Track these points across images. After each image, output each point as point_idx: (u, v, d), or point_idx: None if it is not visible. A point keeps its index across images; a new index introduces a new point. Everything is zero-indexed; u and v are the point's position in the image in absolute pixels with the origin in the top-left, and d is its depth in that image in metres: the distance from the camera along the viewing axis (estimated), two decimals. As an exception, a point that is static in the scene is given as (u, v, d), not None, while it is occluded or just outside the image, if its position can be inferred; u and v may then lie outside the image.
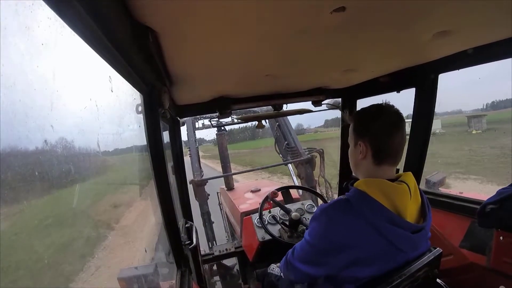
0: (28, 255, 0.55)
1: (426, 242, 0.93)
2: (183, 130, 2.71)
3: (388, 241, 0.81)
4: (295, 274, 0.97)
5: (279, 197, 2.15)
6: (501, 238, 1.19)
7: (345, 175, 2.16)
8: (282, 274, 1.14)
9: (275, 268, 1.32)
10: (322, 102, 1.92)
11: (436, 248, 0.92)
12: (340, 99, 2.03)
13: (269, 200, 1.99)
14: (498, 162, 10.02)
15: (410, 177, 0.92)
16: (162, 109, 1.01)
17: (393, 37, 0.94)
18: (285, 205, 2.02)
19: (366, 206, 0.83)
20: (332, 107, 2.05)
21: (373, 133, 0.92)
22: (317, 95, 1.83)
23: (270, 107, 1.90)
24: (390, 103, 0.97)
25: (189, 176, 3.07)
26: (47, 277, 0.59)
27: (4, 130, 0.39)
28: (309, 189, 2.38)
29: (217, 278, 2.99)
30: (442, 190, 1.75)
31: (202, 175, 3.52)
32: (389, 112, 0.92)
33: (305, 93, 1.81)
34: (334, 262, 0.84)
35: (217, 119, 3.39)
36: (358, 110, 1.02)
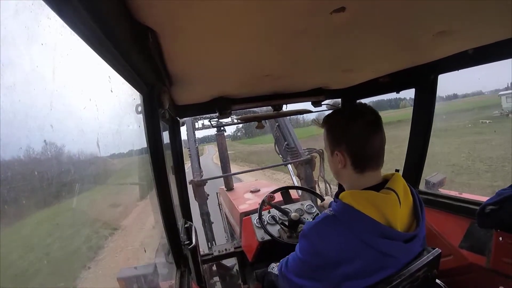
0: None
1: (422, 245, 0.89)
2: (183, 130, 2.72)
3: (381, 252, 0.78)
4: (291, 286, 0.93)
5: (279, 197, 2.15)
6: (500, 238, 1.19)
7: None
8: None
9: (275, 268, 1.31)
10: (322, 103, 1.92)
11: (435, 249, 0.92)
12: (340, 100, 2.03)
13: (266, 204, 1.97)
14: None
15: (398, 180, 0.87)
16: (162, 109, 1.00)
17: (393, 37, 0.94)
18: (285, 206, 2.02)
19: (354, 221, 0.79)
20: (332, 107, 2.05)
21: (349, 139, 0.85)
22: (317, 95, 1.83)
23: (270, 107, 1.90)
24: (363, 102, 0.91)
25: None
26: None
27: (4, 130, 0.39)
28: (306, 188, 2.38)
29: (216, 278, 2.99)
30: (442, 191, 1.75)
31: (202, 175, 3.52)
32: (364, 113, 0.85)
33: (305, 94, 1.81)
34: (329, 277, 0.80)
35: (217, 119, 3.39)
36: (329, 115, 0.94)
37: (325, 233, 0.82)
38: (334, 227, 0.82)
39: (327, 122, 0.93)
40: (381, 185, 0.87)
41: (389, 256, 0.79)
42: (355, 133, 0.84)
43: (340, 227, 0.81)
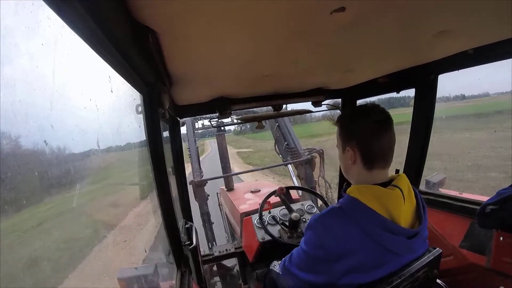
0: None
1: (424, 244, 0.91)
2: (183, 130, 2.72)
3: (384, 247, 0.80)
4: (293, 280, 0.95)
5: (278, 198, 2.15)
6: (501, 238, 1.19)
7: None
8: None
9: (276, 265, 1.32)
10: (322, 103, 1.92)
11: (436, 249, 0.92)
12: (340, 100, 2.03)
13: (276, 195, 1.98)
14: None
15: (403, 179, 0.90)
16: (162, 109, 1.00)
17: (393, 37, 0.94)
18: (284, 206, 2.03)
19: (359, 214, 0.81)
20: (332, 107, 2.05)
21: (360, 136, 0.89)
22: (317, 95, 1.83)
23: (270, 107, 1.90)
24: (376, 102, 0.94)
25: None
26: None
27: (4, 130, 0.39)
28: (317, 193, 2.36)
29: (217, 278, 2.99)
30: (442, 190, 1.74)
31: (202, 176, 3.52)
32: (375, 113, 0.89)
33: (305, 94, 1.82)
34: (332, 270, 0.82)
35: (217, 119, 3.40)
36: (342, 114, 1.00)
37: (330, 224, 0.85)
38: (339, 218, 0.84)
39: (340, 120, 0.97)
40: (388, 184, 0.89)
41: (391, 252, 0.81)
42: (365, 130, 0.88)
43: (345, 219, 0.83)
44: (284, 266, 1.00)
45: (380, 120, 0.88)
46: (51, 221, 0.60)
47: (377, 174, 0.90)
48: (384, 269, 0.82)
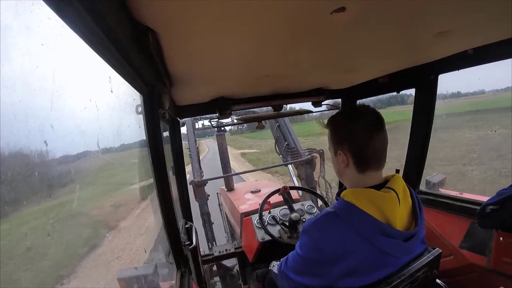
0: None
1: (421, 245, 0.91)
2: (183, 130, 2.72)
3: (381, 250, 0.79)
4: (289, 283, 0.95)
5: (278, 198, 2.15)
6: (501, 238, 1.19)
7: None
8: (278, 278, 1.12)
9: (275, 266, 1.32)
10: (322, 103, 1.92)
11: (435, 249, 0.92)
12: (340, 100, 2.03)
13: (279, 194, 1.99)
14: None
15: (398, 181, 0.89)
16: (162, 109, 1.01)
17: (393, 37, 0.94)
18: (284, 206, 2.03)
19: (354, 218, 0.80)
20: (332, 107, 2.05)
21: (351, 139, 0.87)
22: (317, 95, 1.83)
23: (270, 107, 1.90)
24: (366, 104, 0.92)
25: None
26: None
27: (4, 130, 0.39)
28: (317, 194, 2.36)
29: (217, 278, 2.99)
30: (442, 190, 1.74)
31: (202, 176, 3.53)
32: (365, 114, 0.87)
33: (305, 94, 1.82)
34: (328, 273, 0.82)
35: (217, 119, 3.40)
36: (332, 116, 0.96)
37: (326, 228, 0.84)
38: (334, 223, 0.83)
39: (331, 123, 0.95)
40: (382, 185, 0.88)
41: (388, 255, 0.80)
42: (357, 133, 0.86)
43: (340, 223, 0.82)
44: (281, 269, 1.00)
45: (371, 121, 0.86)
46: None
47: (371, 177, 0.89)
48: (382, 272, 0.81)
